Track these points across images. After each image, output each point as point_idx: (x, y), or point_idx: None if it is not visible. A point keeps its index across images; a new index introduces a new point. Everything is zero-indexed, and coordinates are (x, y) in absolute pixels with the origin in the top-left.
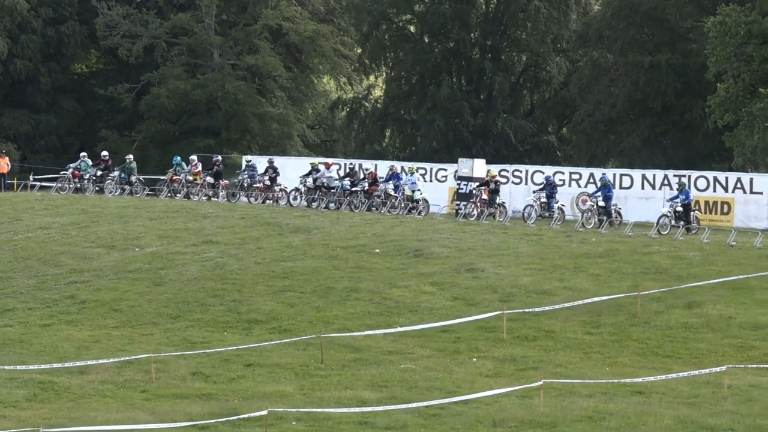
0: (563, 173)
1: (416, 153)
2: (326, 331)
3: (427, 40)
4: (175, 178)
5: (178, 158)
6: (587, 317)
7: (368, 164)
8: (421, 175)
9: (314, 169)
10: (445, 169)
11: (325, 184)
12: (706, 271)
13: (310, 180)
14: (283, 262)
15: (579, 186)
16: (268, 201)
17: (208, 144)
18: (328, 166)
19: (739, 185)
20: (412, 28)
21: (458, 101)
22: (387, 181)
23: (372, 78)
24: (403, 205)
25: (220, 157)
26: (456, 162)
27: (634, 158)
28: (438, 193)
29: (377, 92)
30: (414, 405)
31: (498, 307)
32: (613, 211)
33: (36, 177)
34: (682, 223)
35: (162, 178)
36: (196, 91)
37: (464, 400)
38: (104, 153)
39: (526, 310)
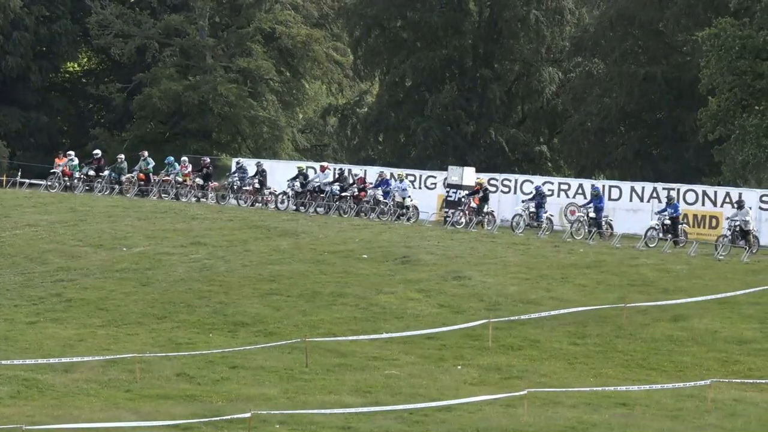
0: (552, 183)
1: (409, 160)
2: (312, 336)
3: (419, 46)
4: (165, 178)
5: (171, 158)
6: (573, 328)
7: (357, 170)
8: (410, 181)
9: (301, 173)
10: (435, 177)
11: (319, 187)
12: (693, 285)
13: (297, 184)
14: (271, 266)
15: (568, 196)
16: (257, 204)
17: (200, 146)
18: (323, 169)
19: (728, 199)
20: (404, 35)
21: (455, 110)
22: (376, 187)
23: (365, 84)
24: (392, 211)
25: (208, 159)
26: (446, 169)
27: (624, 170)
28: (427, 200)
29: (370, 98)
30: (398, 407)
31: (484, 315)
32: (603, 223)
33: (23, 174)
34: (669, 236)
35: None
36: (188, 93)
37: (448, 407)
38: (96, 151)
39: (512, 319)
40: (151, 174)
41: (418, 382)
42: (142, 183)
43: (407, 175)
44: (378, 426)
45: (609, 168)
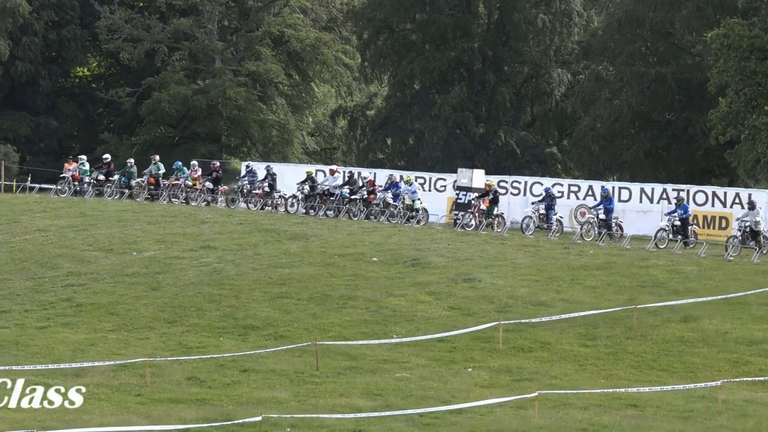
0: (562, 185)
1: (418, 162)
2: (322, 339)
3: (428, 48)
4: (175, 182)
5: (179, 163)
6: (583, 329)
7: (367, 172)
8: (420, 184)
9: (309, 177)
10: (444, 179)
11: (328, 191)
12: (703, 286)
13: (306, 187)
14: (281, 269)
15: (578, 198)
16: (267, 207)
17: (210, 149)
18: (333, 172)
19: (737, 200)
20: (413, 37)
21: (463, 112)
22: (386, 190)
23: (374, 86)
24: (402, 213)
25: (218, 163)
26: (456, 172)
27: (635, 172)
28: (436, 202)
29: (379, 101)
30: (409, 411)
31: (494, 317)
32: (613, 224)
33: (33, 179)
34: (679, 237)
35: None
36: (196, 97)
37: (459, 409)
38: (106, 156)
39: (522, 321)
40: (160, 178)
41: (428, 384)
42: (152, 187)
43: (417, 177)
44: (389, 429)
45: (619, 170)
